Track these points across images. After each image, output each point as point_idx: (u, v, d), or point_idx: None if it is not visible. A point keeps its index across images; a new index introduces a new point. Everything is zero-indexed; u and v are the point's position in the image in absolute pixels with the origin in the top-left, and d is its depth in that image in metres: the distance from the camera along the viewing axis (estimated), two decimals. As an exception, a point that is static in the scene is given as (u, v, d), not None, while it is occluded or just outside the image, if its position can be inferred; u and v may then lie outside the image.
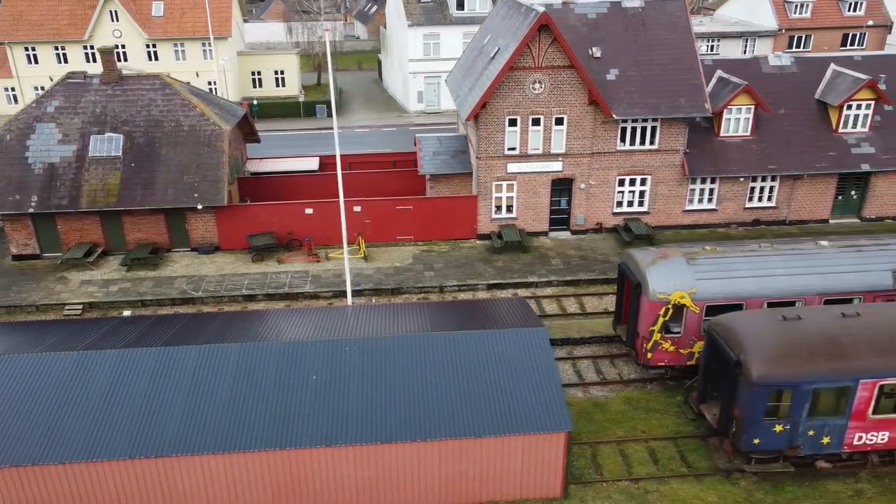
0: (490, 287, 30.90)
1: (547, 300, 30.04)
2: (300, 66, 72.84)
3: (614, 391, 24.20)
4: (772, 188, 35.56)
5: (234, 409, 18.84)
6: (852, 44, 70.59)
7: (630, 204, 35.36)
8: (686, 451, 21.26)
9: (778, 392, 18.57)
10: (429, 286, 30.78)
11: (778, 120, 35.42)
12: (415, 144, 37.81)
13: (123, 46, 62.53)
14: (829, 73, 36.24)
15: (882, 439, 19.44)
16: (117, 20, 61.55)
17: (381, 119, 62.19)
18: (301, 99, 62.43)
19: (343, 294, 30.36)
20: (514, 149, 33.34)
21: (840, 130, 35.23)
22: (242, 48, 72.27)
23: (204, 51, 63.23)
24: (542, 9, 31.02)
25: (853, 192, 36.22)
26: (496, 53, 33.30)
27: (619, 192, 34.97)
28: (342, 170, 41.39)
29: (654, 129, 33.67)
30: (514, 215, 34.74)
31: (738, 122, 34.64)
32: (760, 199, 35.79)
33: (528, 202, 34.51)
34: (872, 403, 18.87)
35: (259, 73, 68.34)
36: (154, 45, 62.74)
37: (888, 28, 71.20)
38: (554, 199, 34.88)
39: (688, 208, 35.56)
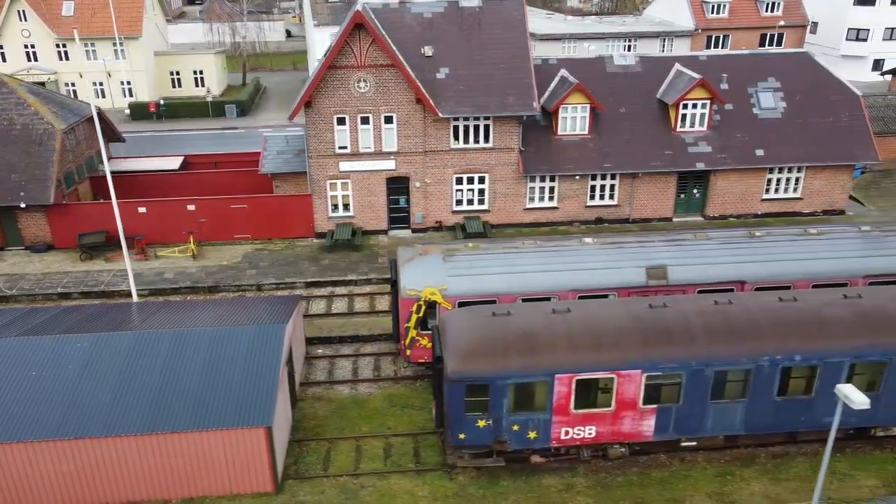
0: (308, 285, 31.04)
1: (361, 298, 30.17)
2: (225, 67, 73.05)
3: (381, 388, 24.32)
4: (612, 186, 35.72)
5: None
6: (770, 44, 70.94)
7: (470, 202, 35.49)
8: (422, 448, 21.38)
9: (476, 388, 18.69)
10: (246, 284, 30.89)
11: (618, 119, 35.58)
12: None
13: (33, 46, 62.63)
14: (671, 73, 36.43)
15: (590, 434, 19.59)
16: (25, 20, 61.60)
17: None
18: (209, 99, 62.40)
19: (161, 292, 30.53)
20: (345, 147, 33.45)
21: (678, 129, 35.40)
22: (166, 48, 72.45)
23: (115, 51, 63.27)
24: (359, 7, 31.18)
25: (695, 191, 36.40)
26: (327, 52, 33.43)
27: (457, 190, 35.10)
28: (207, 168, 41.77)
29: (487, 127, 33.82)
30: (351, 214, 34.87)
31: (574, 120, 34.79)
32: (602, 197, 35.94)
33: (365, 201, 34.63)
34: (573, 398, 19.01)
35: (178, 73, 68.42)
36: (64, 45, 62.73)
37: (805, 28, 71.62)
38: (392, 197, 35.00)
39: (528, 206, 35.70)
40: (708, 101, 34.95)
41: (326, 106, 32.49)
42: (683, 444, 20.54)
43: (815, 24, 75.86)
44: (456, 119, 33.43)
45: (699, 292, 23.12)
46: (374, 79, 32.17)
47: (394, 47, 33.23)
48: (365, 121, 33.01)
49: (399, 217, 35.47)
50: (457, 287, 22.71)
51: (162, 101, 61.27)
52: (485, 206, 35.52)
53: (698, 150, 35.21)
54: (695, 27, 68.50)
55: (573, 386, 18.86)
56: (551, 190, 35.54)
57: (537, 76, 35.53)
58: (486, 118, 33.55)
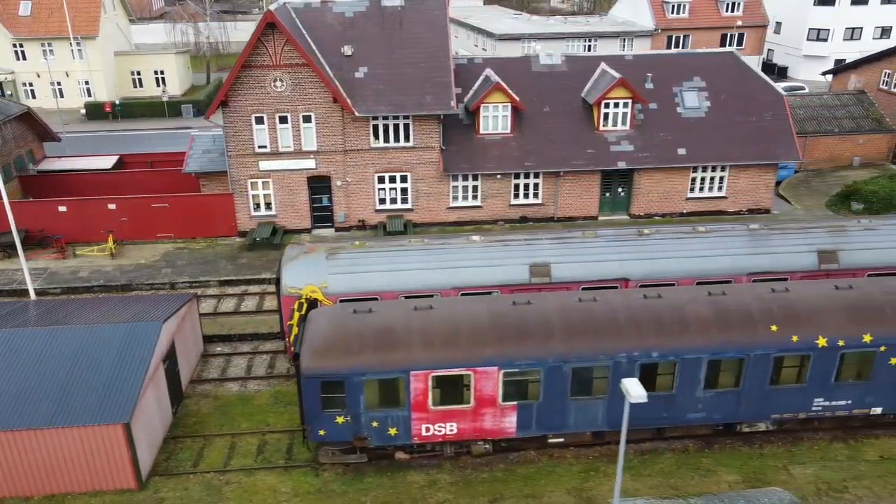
0: (222, 283, 31.15)
1: (271, 297, 30.22)
2: (189, 67, 73.10)
3: (271, 385, 24.42)
4: (536, 185, 35.84)
5: None
6: (731, 44, 71.01)
7: (393, 201, 35.60)
8: (297, 444, 21.45)
9: (332, 384, 18.80)
10: (159, 283, 30.99)
11: (541, 118, 35.70)
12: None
13: (-11, 45, 62.71)
14: (596, 73, 36.56)
15: (452, 431, 19.69)
16: (-20, 19, 61.67)
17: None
18: (165, 99, 62.49)
19: (74, 290, 30.64)
20: (264, 146, 33.55)
21: (601, 128, 35.53)
22: (129, 48, 72.43)
23: (72, 51, 63.32)
24: (272, 7, 31.29)
25: (620, 190, 36.53)
26: (246, 52, 33.52)
27: (379, 189, 35.20)
28: (143, 167, 41.81)
29: (407, 126, 33.94)
30: (273, 213, 34.97)
31: (496, 119, 34.91)
32: (526, 196, 36.06)
33: (286, 200, 34.74)
34: (430, 395, 19.12)
35: (139, 73, 68.49)
36: (21, 45, 62.77)
37: (766, 28, 71.78)
38: (315, 196, 35.11)
39: (452, 205, 35.81)
40: (629, 101, 35.08)
41: (244, 105, 32.59)
42: (551, 440, 20.67)
43: (778, 24, 76.18)
44: (375, 118, 33.54)
45: (583, 289, 23.25)
46: (291, 78, 32.27)
47: (313, 46, 33.46)
48: (283, 120, 33.11)
49: (322, 216, 35.58)
50: (338, 285, 22.84)
51: (118, 101, 61.33)
52: (408, 205, 35.63)
53: (620, 149, 35.34)
54: (655, 27, 68.62)
55: (430, 382, 18.96)
56: (475, 189, 35.65)
57: (463, 76, 35.77)
58: (406, 117, 33.66)
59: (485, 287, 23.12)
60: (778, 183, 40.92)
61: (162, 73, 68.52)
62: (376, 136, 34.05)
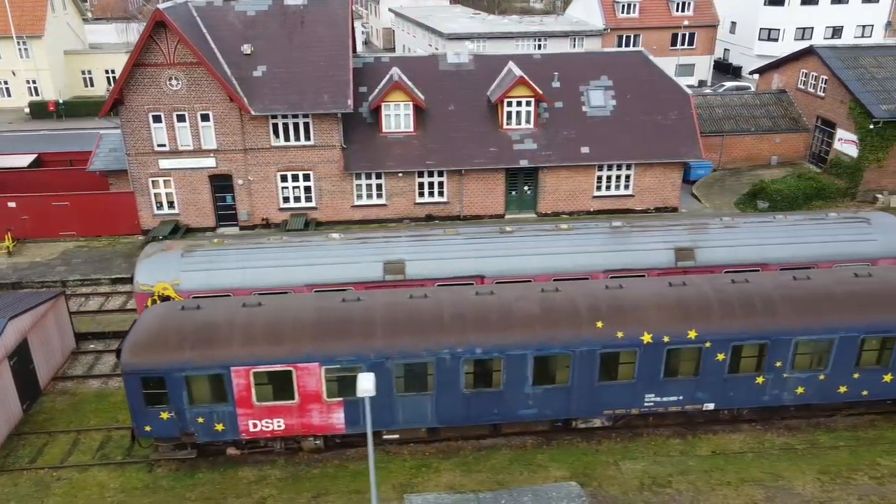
0: (113, 281, 31.23)
1: (160, 294, 30.32)
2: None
3: (132, 382, 24.48)
4: (441, 184, 35.95)
5: None
6: (682, 43, 71.23)
7: (297, 199, 35.69)
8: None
9: (152, 380, 18.87)
10: (51, 281, 31.06)
11: (446, 116, 35.82)
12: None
13: (-67, 45, 62.69)
14: (503, 72, 36.68)
15: (279, 427, 19.77)
16: (-75, 19, 61.65)
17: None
18: (109, 98, 62.44)
19: (-36, 288, 30.75)
20: (164, 145, 33.63)
21: (505, 127, 35.65)
22: (81, 48, 72.39)
23: (19, 50, 63.32)
24: (163, 5, 31.38)
25: (526, 188, 36.65)
26: (145, 50, 33.58)
27: (283, 187, 35.31)
28: (62, 166, 41.79)
29: (307, 125, 34.04)
30: (176, 211, 35.05)
31: (398, 118, 35.02)
32: (431, 194, 36.17)
33: (189, 198, 34.82)
34: (254, 391, 19.22)
35: (89, 72, 68.52)
36: (-35, 44, 62.78)
37: (716, 27, 71.95)
38: (219, 195, 35.19)
39: (357, 203, 35.91)
40: (532, 99, 35.21)
41: (140, 103, 32.69)
42: (386, 436, 20.77)
43: (734, 24, 76.45)
44: (274, 117, 33.64)
45: (439, 286, 23.33)
46: (186, 77, 32.35)
47: (213, 45, 33.57)
48: (181, 118, 33.19)
49: (227, 214, 35.66)
50: (190, 282, 22.91)
51: (61, 101, 61.34)
52: (312, 204, 35.73)
53: (523, 148, 35.46)
54: (605, 27, 68.76)
55: (251, 378, 19.05)
56: (378, 187, 35.76)
57: (370, 75, 35.91)
58: (306, 116, 33.77)
59: (339, 284, 23.21)
60: (693, 182, 41.15)
61: (113, 72, 68.50)
62: (276, 135, 34.14)
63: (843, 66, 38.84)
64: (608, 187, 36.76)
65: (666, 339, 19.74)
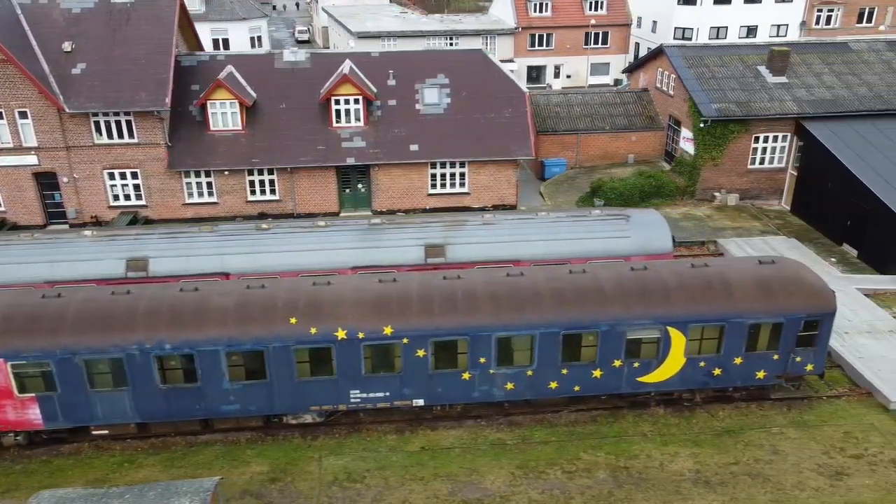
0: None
1: (-39, 291, 30.34)
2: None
3: None
4: (272, 182, 35.98)
5: None
6: (595, 43, 71.48)
7: (128, 197, 35.66)
8: None
9: None
10: None
11: (277, 114, 35.84)
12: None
13: None
14: (338, 71, 36.69)
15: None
16: None
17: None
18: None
19: None
20: (-17, 142, 33.68)
21: (335, 125, 35.69)
22: None
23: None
24: (-31, 3, 31.37)
25: (360, 186, 36.70)
26: None
27: (111, 185, 35.30)
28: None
29: (129, 122, 34.04)
30: (3, 209, 35.03)
31: (225, 116, 35.02)
32: (263, 192, 36.19)
33: (13, 196, 34.78)
34: (14, 383, 19.25)
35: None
36: None
37: (629, 26, 72.22)
38: (46, 192, 35.17)
39: (188, 201, 35.88)
40: (360, 97, 35.26)
41: (-47, 101, 32.70)
42: (95, 431, 20.80)
43: (654, 23, 76.62)
44: (95, 114, 33.62)
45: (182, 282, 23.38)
46: (-1, 74, 32.38)
47: (33, 42, 33.54)
48: (-1, 116, 33.23)
49: (57, 212, 35.64)
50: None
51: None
52: (143, 202, 35.72)
53: (352, 145, 35.50)
54: (516, 26, 68.92)
55: (10, 370, 19.08)
56: (209, 185, 35.74)
57: (204, 73, 35.92)
58: (127, 113, 33.76)
59: (83, 280, 23.26)
60: (545, 179, 41.30)
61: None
62: (99, 132, 34.11)
63: (686, 66, 38.98)
64: (443, 185, 36.84)
65: (361, 335, 19.80)
